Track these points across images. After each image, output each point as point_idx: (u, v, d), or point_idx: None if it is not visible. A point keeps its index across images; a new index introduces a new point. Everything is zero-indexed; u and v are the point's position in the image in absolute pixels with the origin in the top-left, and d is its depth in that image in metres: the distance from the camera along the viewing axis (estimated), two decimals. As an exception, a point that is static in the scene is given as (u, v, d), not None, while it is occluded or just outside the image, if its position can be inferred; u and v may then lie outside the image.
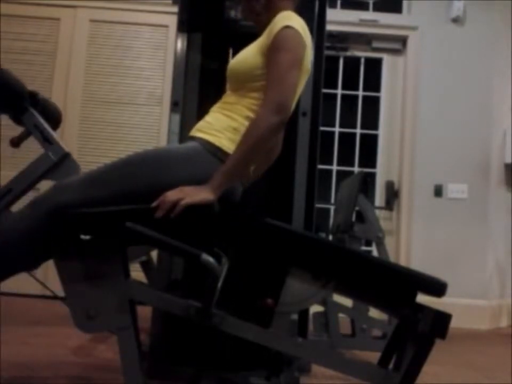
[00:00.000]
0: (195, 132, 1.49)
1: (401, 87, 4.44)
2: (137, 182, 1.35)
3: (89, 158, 4.06)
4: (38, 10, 4.23)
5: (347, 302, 2.33)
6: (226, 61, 2.08)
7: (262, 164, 1.64)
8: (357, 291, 1.36)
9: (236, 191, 1.48)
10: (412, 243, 4.20)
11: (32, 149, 4.31)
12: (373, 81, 4.51)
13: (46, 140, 1.65)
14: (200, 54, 2.15)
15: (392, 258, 3.85)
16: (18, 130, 1.74)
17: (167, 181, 1.34)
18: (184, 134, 1.98)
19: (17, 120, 1.69)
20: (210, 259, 1.21)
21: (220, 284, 1.24)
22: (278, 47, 1.42)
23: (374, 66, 4.52)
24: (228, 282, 1.33)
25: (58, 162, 1.64)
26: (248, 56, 1.49)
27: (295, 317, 1.77)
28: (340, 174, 4.40)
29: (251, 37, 1.56)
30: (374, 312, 2.63)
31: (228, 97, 1.52)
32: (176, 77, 2.09)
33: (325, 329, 2.61)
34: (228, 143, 1.41)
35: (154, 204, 1.28)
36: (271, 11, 1.52)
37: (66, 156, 1.66)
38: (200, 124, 1.50)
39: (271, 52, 1.43)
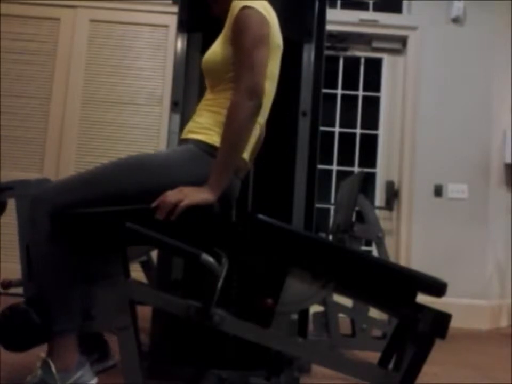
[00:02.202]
0: (186, 134, 1.50)
1: (401, 87, 4.44)
2: (135, 185, 1.35)
3: (89, 158, 4.06)
4: (38, 10, 4.23)
5: (347, 302, 2.33)
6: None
7: (252, 151, 1.64)
8: (357, 291, 1.36)
9: (234, 188, 1.48)
10: (411, 243, 4.20)
11: (32, 149, 4.29)
12: (373, 81, 4.51)
13: (6, 189, 1.67)
14: (200, 54, 2.14)
15: (392, 258, 3.85)
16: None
17: (165, 184, 1.34)
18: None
19: None
20: (210, 259, 1.21)
21: (219, 284, 1.24)
22: (240, 29, 1.41)
23: (374, 66, 4.52)
24: (227, 282, 1.33)
25: (30, 191, 1.65)
26: (217, 49, 1.49)
27: (295, 317, 1.77)
28: (340, 174, 4.39)
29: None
30: (374, 312, 2.63)
31: (210, 94, 1.52)
32: (176, 77, 2.09)
33: (325, 329, 2.61)
34: (219, 139, 1.41)
35: (154, 204, 1.28)
36: None
37: (25, 183, 1.68)
38: (190, 125, 1.51)
39: (234, 35, 1.43)
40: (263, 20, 1.43)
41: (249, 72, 1.37)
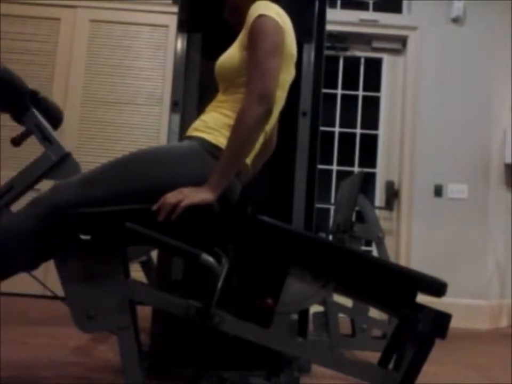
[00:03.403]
0: (192, 131, 1.49)
1: (401, 87, 4.45)
2: (136, 182, 1.35)
3: (89, 158, 4.06)
4: (38, 10, 4.23)
5: (347, 302, 2.33)
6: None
7: (258, 160, 1.64)
8: (357, 291, 1.37)
9: (234, 189, 1.48)
10: (411, 243, 4.20)
11: (32, 149, 4.32)
12: (373, 81, 4.51)
13: (47, 140, 1.65)
14: (200, 54, 2.15)
15: (392, 258, 3.86)
16: (18, 131, 1.74)
17: (166, 181, 1.34)
18: (184, 134, 1.99)
19: (18, 119, 1.69)
20: (210, 259, 1.21)
21: (219, 284, 1.24)
22: (255, 37, 1.42)
23: (374, 66, 4.52)
24: (227, 282, 1.33)
25: (59, 162, 1.65)
26: (231, 53, 1.51)
27: (295, 317, 1.77)
28: (340, 174, 4.40)
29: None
30: (374, 312, 2.63)
31: (222, 96, 1.53)
32: (176, 77, 2.09)
33: (325, 329, 2.61)
34: (224, 141, 1.40)
35: (154, 207, 1.28)
36: (246, 5, 1.52)
37: (66, 156, 1.66)
38: (197, 123, 1.51)
39: (249, 43, 1.44)
40: (278, 29, 1.44)
41: (261, 78, 1.38)
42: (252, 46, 1.43)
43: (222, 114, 1.47)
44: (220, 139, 1.42)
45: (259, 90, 1.36)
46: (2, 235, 1.33)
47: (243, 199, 1.58)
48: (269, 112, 1.38)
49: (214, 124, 1.45)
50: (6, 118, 3.82)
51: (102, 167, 1.38)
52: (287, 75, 1.54)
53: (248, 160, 1.50)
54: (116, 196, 1.33)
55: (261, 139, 1.52)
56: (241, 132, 1.35)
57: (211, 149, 1.41)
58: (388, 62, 4.50)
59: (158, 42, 4.24)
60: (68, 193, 1.32)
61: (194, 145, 1.42)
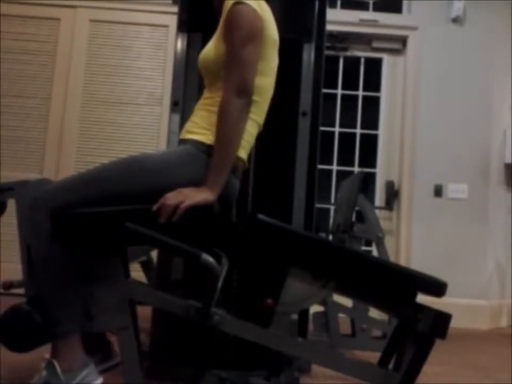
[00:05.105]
0: (184, 134, 1.50)
1: (401, 87, 4.44)
2: (135, 185, 1.35)
3: (89, 158, 4.06)
4: (38, 10, 4.23)
5: (347, 302, 2.33)
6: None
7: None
8: (357, 291, 1.36)
9: (233, 187, 1.48)
10: (411, 243, 4.20)
11: (32, 149, 4.29)
12: (373, 81, 4.51)
13: (6, 190, 1.70)
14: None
15: (392, 258, 3.85)
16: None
17: (164, 185, 1.34)
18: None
19: None
20: (210, 259, 1.21)
21: (219, 284, 1.24)
22: (230, 25, 1.40)
23: (374, 66, 4.52)
24: (227, 282, 1.33)
25: (30, 192, 1.67)
26: (211, 46, 1.49)
27: (295, 317, 1.77)
28: (340, 174, 4.39)
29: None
30: (374, 312, 2.63)
31: (207, 93, 1.52)
32: (176, 77, 2.09)
33: (325, 329, 2.61)
34: None
35: (155, 208, 1.28)
36: None
37: (24, 184, 1.70)
38: (188, 125, 1.51)
39: (225, 31, 1.42)
40: (255, 16, 1.40)
41: (238, 69, 1.37)
42: (227, 34, 1.40)
43: (210, 112, 1.46)
44: (212, 137, 1.41)
45: (236, 83, 1.35)
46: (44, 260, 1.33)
47: (243, 199, 1.58)
48: (248, 103, 1.38)
49: (205, 123, 1.45)
50: (5, 118, 3.82)
51: (103, 168, 1.38)
52: (272, 61, 1.51)
53: (245, 155, 1.50)
54: (116, 197, 1.33)
55: (254, 132, 1.51)
56: (225, 128, 1.35)
57: (205, 149, 1.41)
58: (388, 62, 4.50)
59: (158, 42, 4.24)
60: (65, 194, 1.32)
61: (189, 148, 1.43)
